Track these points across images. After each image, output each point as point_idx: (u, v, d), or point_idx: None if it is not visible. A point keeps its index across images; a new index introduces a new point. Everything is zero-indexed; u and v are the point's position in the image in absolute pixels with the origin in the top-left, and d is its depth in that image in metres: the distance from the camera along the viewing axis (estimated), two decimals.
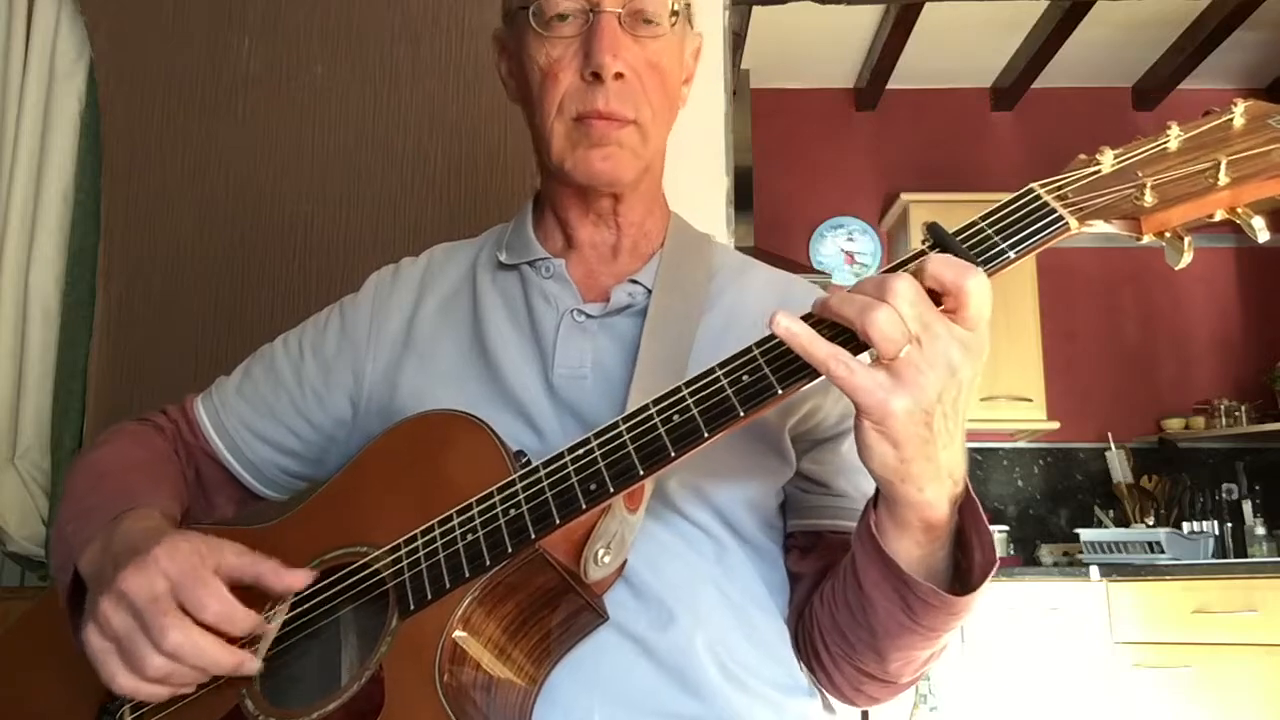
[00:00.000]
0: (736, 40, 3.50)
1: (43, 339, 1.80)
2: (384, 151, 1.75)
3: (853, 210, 4.38)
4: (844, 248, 4.35)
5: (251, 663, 0.76)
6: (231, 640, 0.75)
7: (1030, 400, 3.89)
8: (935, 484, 0.69)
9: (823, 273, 4.14)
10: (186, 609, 0.73)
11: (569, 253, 0.99)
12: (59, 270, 1.82)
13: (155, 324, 1.73)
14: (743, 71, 3.97)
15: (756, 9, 3.50)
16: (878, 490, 0.73)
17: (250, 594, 0.78)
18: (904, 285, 0.65)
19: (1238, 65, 4.20)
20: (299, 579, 0.79)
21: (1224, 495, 3.97)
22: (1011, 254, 0.69)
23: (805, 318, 0.69)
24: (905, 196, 4.08)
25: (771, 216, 4.22)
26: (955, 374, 0.66)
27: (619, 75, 0.88)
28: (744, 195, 3.66)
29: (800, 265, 4.04)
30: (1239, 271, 4.27)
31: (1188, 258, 0.69)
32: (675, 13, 0.91)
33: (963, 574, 0.75)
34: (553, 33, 0.89)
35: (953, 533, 0.74)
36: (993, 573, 0.73)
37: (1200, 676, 3.18)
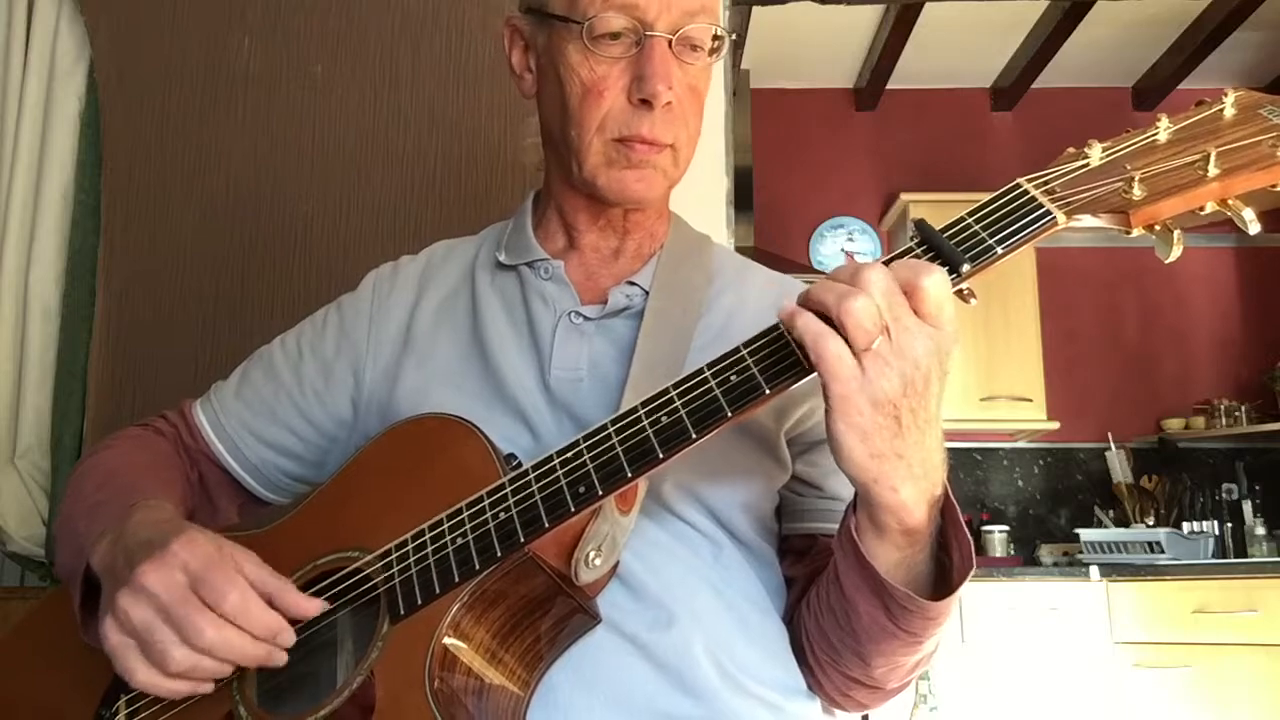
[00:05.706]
0: (736, 40, 3.50)
1: (43, 339, 1.80)
2: (384, 151, 1.76)
3: (853, 210, 4.37)
4: (844, 248, 4.35)
5: (280, 654, 0.74)
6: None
7: (1030, 400, 3.88)
8: (910, 484, 0.69)
9: (823, 273, 4.12)
10: (205, 600, 0.72)
11: (569, 254, 0.99)
12: (59, 270, 1.82)
13: (155, 324, 1.73)
14: (743, 71, 3.97)
15: (756, 9, 3.50)
16: (857, 493, 0.73)
17: None
18: (878, 275, 0.66)
19: (1238, 65, 4.20)
20: (313, 607, 0.76)
21: (1224, 495, 3.96)
22: (999, 249, 0.69)
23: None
24: (905, 196, 4.08)
25: (771, 216, 4.21)
26: (919, 367, 0.66)
27: (667, 103, 0.87)
28: (744, 195, 3.66)
29: (800, 265, 4.04)
30: (1239, 271, 4.27)
31: (1177, 251, 0.69)
32: (718, 37, 0.91)
33: (948, 575, 0.75)
34: (600, 50, 0.87)
35: (933, 536, 0.74)
36: (968, 576, 0.73)
37: (1200, 676, 3.18)
